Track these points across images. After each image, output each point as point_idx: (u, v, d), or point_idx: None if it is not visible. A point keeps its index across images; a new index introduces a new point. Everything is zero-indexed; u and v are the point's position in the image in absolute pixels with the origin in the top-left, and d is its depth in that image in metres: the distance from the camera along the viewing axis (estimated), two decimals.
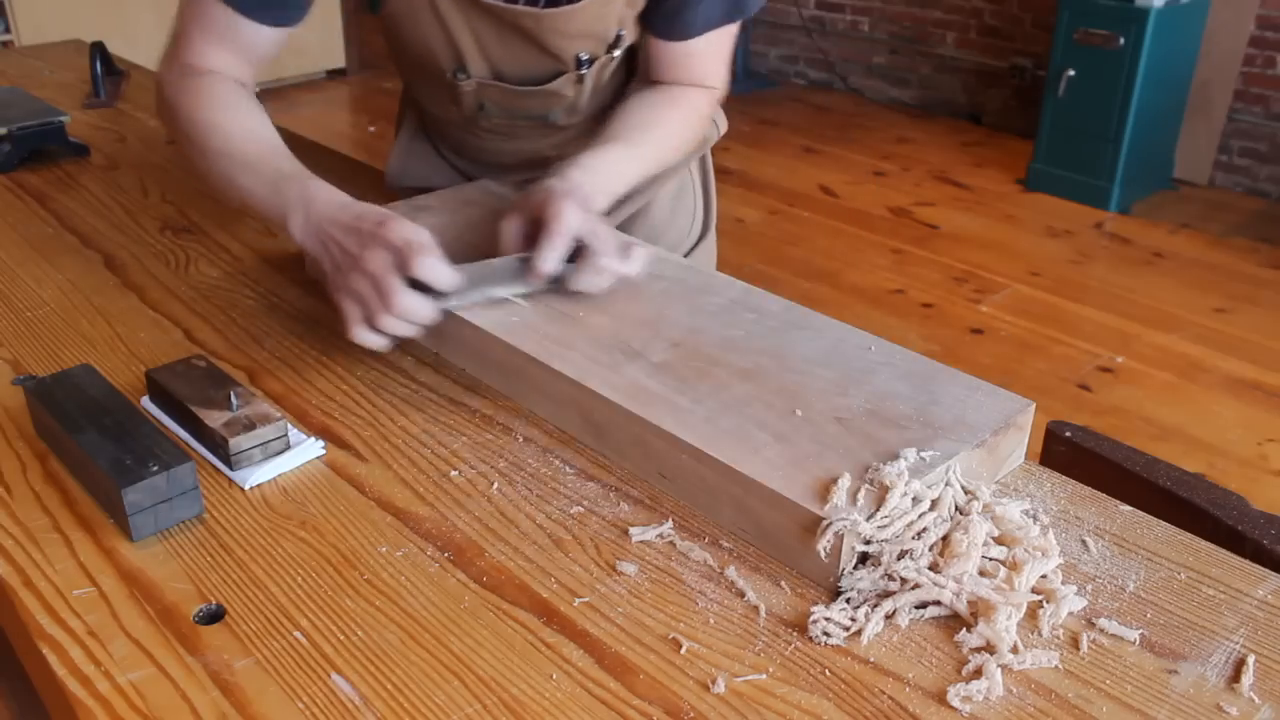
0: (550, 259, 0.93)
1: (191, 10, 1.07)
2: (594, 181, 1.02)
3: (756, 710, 0.62)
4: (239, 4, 1.04)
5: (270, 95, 5.29)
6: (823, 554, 0.69)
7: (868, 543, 0.70)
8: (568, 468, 0.84)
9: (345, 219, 0.91)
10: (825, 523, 0.69)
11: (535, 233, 0.95)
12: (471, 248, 1.03)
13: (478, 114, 1.20)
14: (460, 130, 1.27)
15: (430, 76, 1.18)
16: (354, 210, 0.92)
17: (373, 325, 0.88)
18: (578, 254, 0.96)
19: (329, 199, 0.95)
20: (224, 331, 1.05)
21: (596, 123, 1.24)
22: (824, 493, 0.71)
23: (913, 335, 3.04)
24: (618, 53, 1.15)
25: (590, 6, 1.06)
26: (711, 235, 1.41)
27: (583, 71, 1.14)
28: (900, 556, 0.70)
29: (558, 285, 0.97)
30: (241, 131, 1.03)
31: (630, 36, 1.14)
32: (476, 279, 0.94)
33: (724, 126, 1.35)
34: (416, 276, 0.88)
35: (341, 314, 0.90)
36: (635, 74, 1.22)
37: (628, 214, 1.31)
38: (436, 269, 0.89)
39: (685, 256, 1.35)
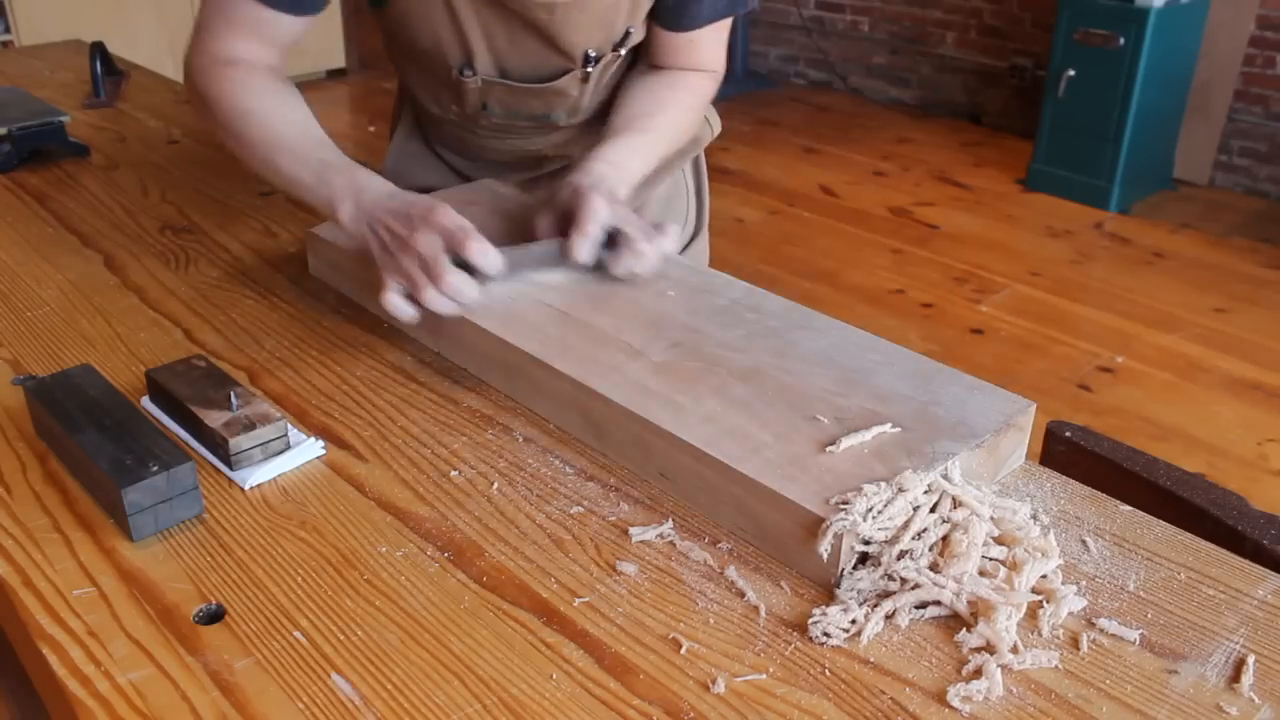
0: (584, 247, 0.97)
1: (214, 1, 1.08)
2: (615, 173, 1.05)
3: (756, 710, 0.62)
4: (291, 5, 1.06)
5: None
6: (824, 555, 0.69)
7: (867, 543, 0.70)
8: (568, 468, 0.84)
9: (395, 205, 0.96)
10: (825, 523, 0.69)
11: (566, 228, 0.99)
12: None
13: (480, 113, 1.20)
14: (459, 129, 1.27)
15: (434, 73, 1.18)
16: (404, 197, 0.97)
17: (416, 298, 0.93)
18: (613, 242, 1.00)
19: (379, 188, 0.99)
20: (224, 331, 1.05)
21: (597, 122, 1.24)
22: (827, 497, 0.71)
23: (913, 335, 3.04)
24: (624, 51, 1.15)
25: None
26: (704, 236, 1.41)
27: (589, 69, 1.14)
28: (900, 556, 0.70)
29: (598, 270, 1.01)
30: (282, 119, 1.05)
31: (638, 34, 1.14)
32: (517, 264, 0.99)
33: (717, 128, 1.36)
34: (468, 258, 0.93)
35: (383, 288, 0.94)
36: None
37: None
38: (486, 252, 0.93)
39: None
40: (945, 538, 0.71)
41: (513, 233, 1.08)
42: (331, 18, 5.46)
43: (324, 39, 5.47)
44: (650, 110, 1.15)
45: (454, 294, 0.92)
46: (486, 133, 1.25)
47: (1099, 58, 3.72)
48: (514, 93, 1.17)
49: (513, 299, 0.97)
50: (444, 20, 1.10)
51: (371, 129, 4.91)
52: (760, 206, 3.98)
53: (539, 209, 1.05)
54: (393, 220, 0.94)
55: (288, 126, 1.05)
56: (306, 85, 5.46)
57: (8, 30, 4.43)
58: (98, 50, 1.86)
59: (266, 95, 1.07)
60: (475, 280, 0.93)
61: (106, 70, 1.88)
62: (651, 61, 1.20)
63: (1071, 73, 3.80)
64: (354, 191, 0.98)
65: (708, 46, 1.19)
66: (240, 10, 1.06)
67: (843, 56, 5.30)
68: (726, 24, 1.18)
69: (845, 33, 5.24)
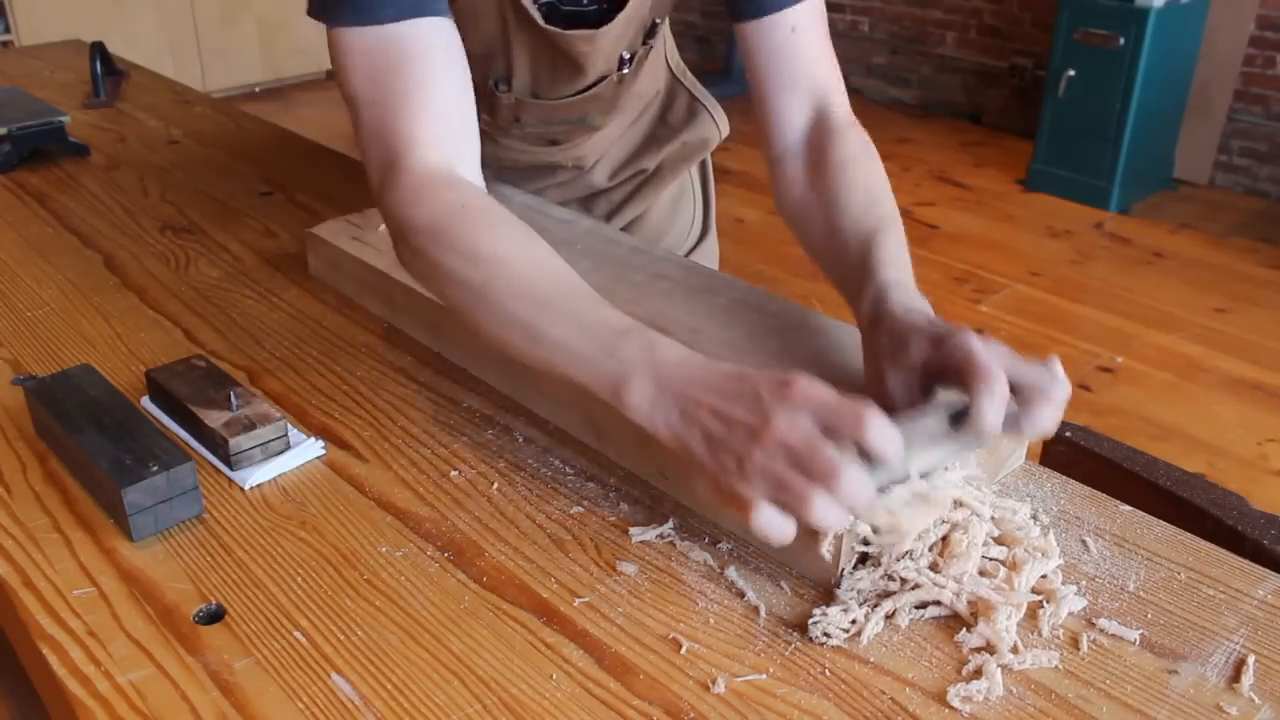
0: (997, 412, 0.69)
1: (373, 80, 0.84)
2: (910, 288, 0.82)
3: (756, 710, 0.62)
4: (412, 7, 0.84)
5: (270, 95, 5.30)
6: (826, 555, 0.69)
7: (867, 543, 0.70)
8: (568, 468, 0.84)
9: (720, 381, 0.69)
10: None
11: (928, 381, 0.74)
12: None
13: (512, 124, 1.16)
14: (484, 137, 1.22)
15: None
16: (726, 370, 0.70)
17: (796, 511, 0.64)
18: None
19: (686, 358, 0.71)
20: (224, 331, 1.05)
21: (624, 120, 1.21)
22: None
23: None
24: (654, 41, 1.12)
25: (631, 8, 1.02)
26: (712, 238, 1.40)
27: (624, 71, 1.10)
28: (900, 557, 0.70)
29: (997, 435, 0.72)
30: (538, 267, 0.79)
31: (663, 22, 1.11)
32: (910, 443, 0.68)
33: (725, 129, 1.34)
34: (868, 444, 0.64)
35: (739, 503, 0.66)
36: (655, 69, 1.18)
37: (629, 218, 1.30)
38: (888, 433, 0.64)
39: None
40: (945, 538, 0.71)
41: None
42: None
43: (324, 39, 5.46)
44: (870, 199, 0.91)
45: (851, 497, 0.63)
46: (517, 140, 1.21)
47: (1099, 58, 3.72)
48: (548, 108, 1.13)
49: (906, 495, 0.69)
50: (495, 33, 1.03)
51: None
52: (760, 206, 3.98)
53: (875, 370, 0.78)
54: (723, 402, 0.67)
55: (548, 279, 0.78)
56: (306, 85, 5.47)
57: (8, 30, 4.44)
58: (98, 50, 1.87)
59: (510, 234, 0.81)
60: (871, 472, 0.65)
61: (106, 70, 1.88)
62: (758, 81, 0.99)
63: (1071, 73, 3.80)
64: (651, 365, 0.71)
65: (813, 46, 0.98)
66: (407, 64, 0.84)
67: (843, 56, 5.27)
68: (824, 22, 0.99)
69: (845, 33, 5.24)
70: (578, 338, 0.74)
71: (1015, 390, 0.70)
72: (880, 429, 0.64)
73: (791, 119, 0.98)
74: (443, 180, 0.83)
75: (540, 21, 0.99)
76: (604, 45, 1.04)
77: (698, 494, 0.77)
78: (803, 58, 0.98)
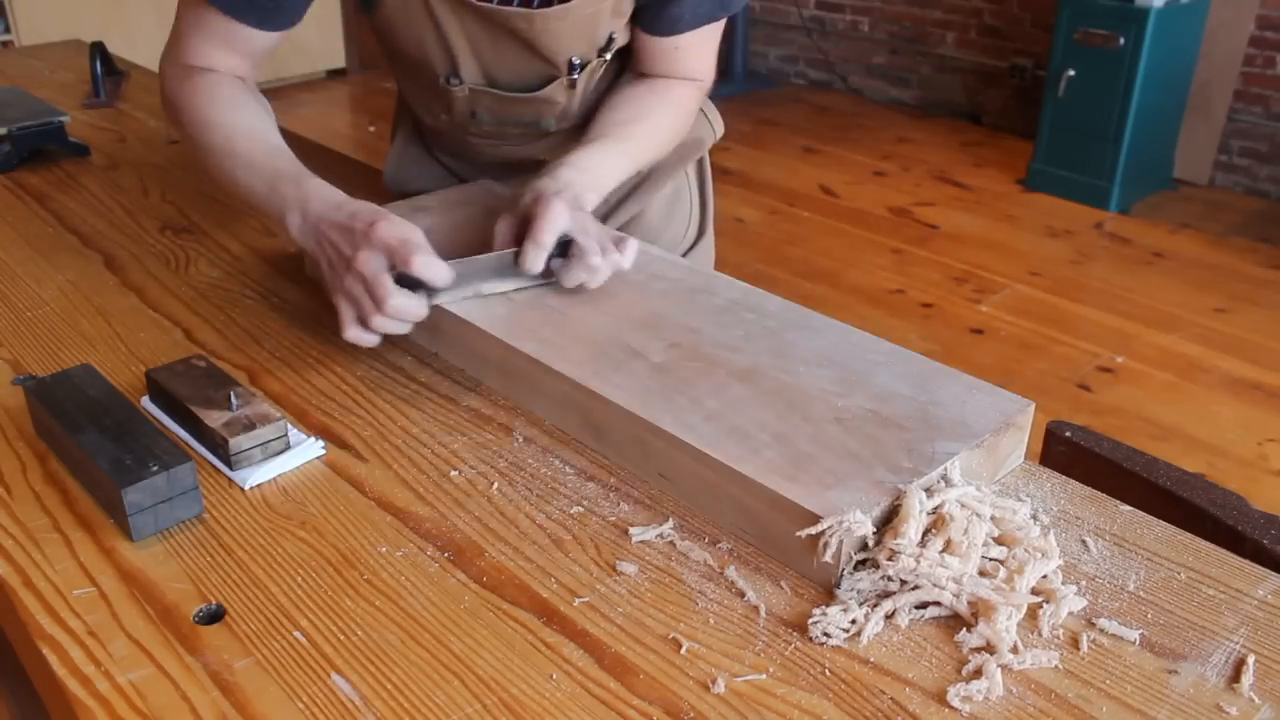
0: (536, 258, 0.95)
1: (187, 12, 1.08)
2: (583, 179, 1.02)
3: (756, 710, 0.62)
4: (232, 10, 1.04)
5: (270, 95, 5.24)
6: (829, 558, 0.69)
7: (867, 545, 0.70)
8: (568, 468, 0.84)
9: (339, 218, 0.92)
10: (826, 529, 0.69)
11: (525, 232, 0.97)
12: (469, 247, 1.03)
13: (469, 121, 1.19)
14: (454, 135, 1.26)
15: (423, 82, 1.18)
16: (348, 209, 0.93)
17: (366, 324, 0.90)
18: (569, 251, 0.97)
19: (325, 197, 0.95)
20: (224, 331, 1.05)
21: (586, 127, 1.23)
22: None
23: (913, 335, 3.04)
24: (608, 55, 1.14)
25: (580, 6, 1.05)
26: (708, 239, 1.40)
27: (574, 76, 1.13)
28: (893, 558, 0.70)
29: (551, 281, 0.99)
30: (242, 130, 1.04)
31: (621, 39, 1.14)
32: (468, 275, 0.96)
33: (720, 130, 1.35)
34: (413, 274, 0.89)
35: (338, 314, 0.91)
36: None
37: (623, 219, 1.30)
38: (431, 266, 0.90)
39: None
40: (947, 540, 0.71)
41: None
42: (332, 18, 5.46)
43: (324, 39, 5.47)
44: (631, 118, 1.13)
45: (400, 315, 0.90)
46: (478, 139, 1.24)
47: (1099, 58, 3.72)
48: (501, 101, 1.16)
49: (464, 309, 0.95)
50: (428, 28, 1.09)
51: (371, 129, 4.91)
52: (760, 206, 3.98)
53: (500, 211, 1.02)
54: (337, 236, 0.91)
55: (247, 138, 1.03)
56: (306, 85, 5.47)
57: (8, 30, 4.43)
58: (98, 50, 1.86)
59: (230, 106, 1.05)
60: (423, 295, 0.91)
61: (106, 70, 1.88)
62: (638, 69, 1.18)
63: (1071, 73, 3.80)
64: (301, 201, 0.95)
65: (694, 53, 1.16)
66: (211, 21, 1.06)
67: (843, 56, 5.30)
68: (714, 30, 1.15)
69: (845, 33, 5.24)
70: (255, 181, 0.99)
71: (571, 247, 0.96)
72: (421, 264, 0.89)
73: (643, 72, 1.18)
74: (204, 70, 1.07)
75: None
76: (545, 30, 1.07)
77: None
78: (678, 64, 1.16)
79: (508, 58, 1.11)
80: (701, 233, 1.39)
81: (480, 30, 1.08)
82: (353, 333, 0.91)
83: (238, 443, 0.82)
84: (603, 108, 1.16)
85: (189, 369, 0.90)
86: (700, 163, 1.39)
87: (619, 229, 1.30)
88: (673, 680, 0.64)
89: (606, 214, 1.30)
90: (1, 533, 0.76)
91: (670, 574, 0.73)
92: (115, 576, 0.72)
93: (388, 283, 0.88)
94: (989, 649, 0.65)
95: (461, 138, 1.25)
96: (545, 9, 1.05)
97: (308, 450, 0.85)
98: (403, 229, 0.90)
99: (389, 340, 1.03)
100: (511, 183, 1.27)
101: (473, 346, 0.96)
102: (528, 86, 1.15)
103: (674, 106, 1.18)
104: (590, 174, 1.04)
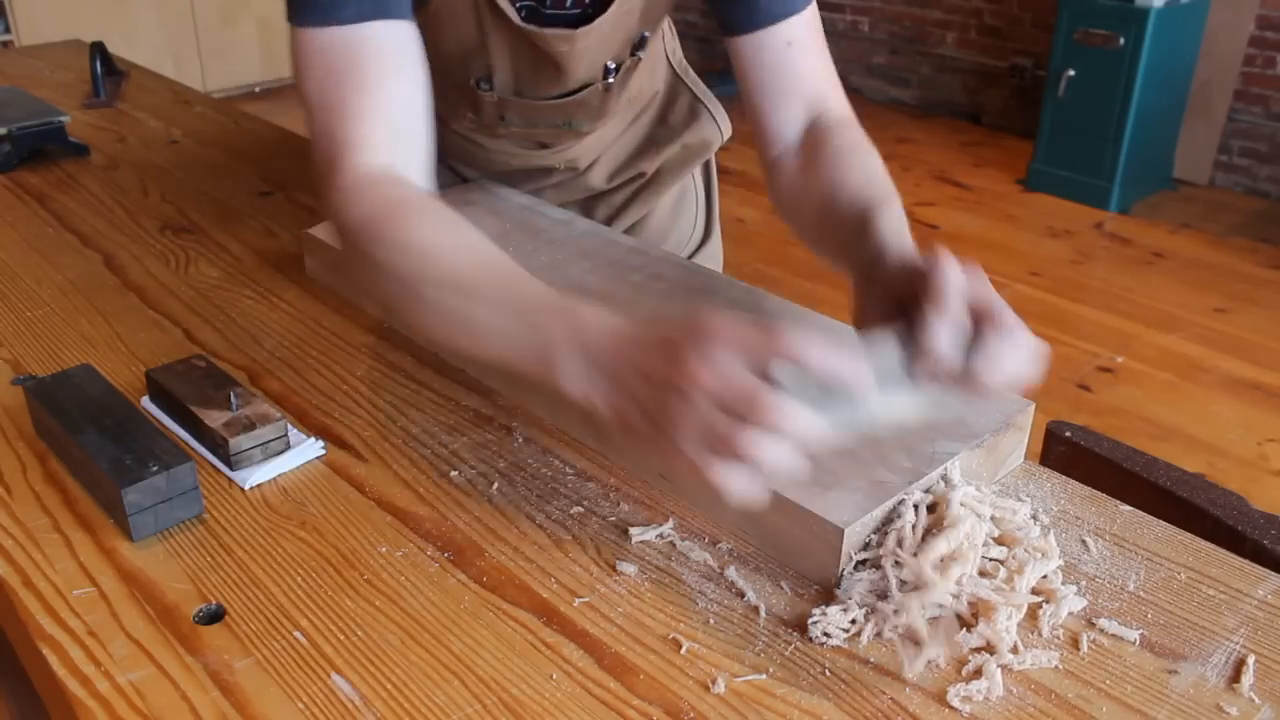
0: (946, 334, 0.63)
1: (325, 81, 0.83)
2: (911, 252, 0.75)
3: (756, 710, 0.62)
4: (370, 9, 0.83)
5: (270, 95, 5.30)
6: (829, 558, 0.69)
7: (867, 546, 0.70)
8: (568, 468, 0.84)
9: (638, 334, 0.64)
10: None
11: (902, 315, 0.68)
12: None
13: (498, 123, 1.16)
14: (472, 139, 1.24)
15: (453, 80, 1.15)
16: (643, 323, 0.65)
17: (745, 456, 0.58)
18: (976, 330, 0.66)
19: (606, 321, 0.66)
20: (224, 331, 1.05)
21: (617, 126, 1.21)
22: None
23: None
24: (643, 53, 1.12)
25: (615, 17, 1.02)
26: (715, 240, 1.39)
27: (610, 80, 1.10)
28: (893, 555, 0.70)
29: (955, 384, 0.66)
30: (465, 253, 0.76)
31: (654, 36, 1.11)
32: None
33: (728, 131, 1.33)
34: (805, 362, 0.59)
35: (682, 464, 0.60)
36: (653, 71, 1.18)
37: (631, 221, 1.30)
38: (835, 356, 0.59)
39: None
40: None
41: (506, 234, 1.07)
42: None
43: None
44: (869, 179, 0.87)
45: (799, 430, 0.57)
46: (505, 141, 1.21)
47: (1099, 58, 3.72)
48: (532, 108, 1.13)
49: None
50: (472, 33, 1.04)
51: None
52: (760, 206, 3.97)
53: (860, 316, 0.74)
54: (648, 358, 0.62)
55: (476, 263, 0.75)
56: None
57: (8, 30, 4.44)
58: (98, 50, 1.87)
59: (442, 223, 0.78)
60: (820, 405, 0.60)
61: (106, 70, 1.88)
62: (753, 95, 0.97)
63: (1071, 73, 3.80)
64: (577, 335, 0.66)
65: (811, 53, 0.95)
66: (332, 54, 0.83)
67: (843, 56, 5.29)
68: (820, 30, 0.96)
69: (845, 33, 5.24)
70: (499, 317, 0.71)
71: (982, 326, 0.64)
72: (815, 345, 0.57)
73: (789, 127, 0.96)
74: (380, 180, 0.81)
75: (516, 20, 0.99)
76: (585, 49, 1.03)
77: (657, 467, 0.77)
78: (800, 72, 0.95)
79: (543, 75, 1.08)
80: (708, 234, 1.38)
81: (521, 51, 1.04)
82: (734, 479, 0.58)
83: (238, 443, 0.82)
84: (829, 189, 0.88)
85: (189, 369, 0.90)
86: (707, 165, 1.38)
87: (626, 231, 1.30)
88: (673, 680, 0.64)
89: (611, 217, 1.30)
90: (1, 533, 0.76)
91: (670, 574, 0.73)
92: (115, 576, 0.72)
93: (765, 387, 0.57)
94: (989, 649, 0.65)
95: (480, 141, 1.22)
96: (585, 27, 1.01)
97: (308, 450, 0.85)
98: (746, 321, 0.60)
99: (389, 340, 1.03)
100: (522, 189, 1.25)
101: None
102: (561, 94, 1.11)
103: (861, 142, 0.92)
104: (909, 242, 0.78)
